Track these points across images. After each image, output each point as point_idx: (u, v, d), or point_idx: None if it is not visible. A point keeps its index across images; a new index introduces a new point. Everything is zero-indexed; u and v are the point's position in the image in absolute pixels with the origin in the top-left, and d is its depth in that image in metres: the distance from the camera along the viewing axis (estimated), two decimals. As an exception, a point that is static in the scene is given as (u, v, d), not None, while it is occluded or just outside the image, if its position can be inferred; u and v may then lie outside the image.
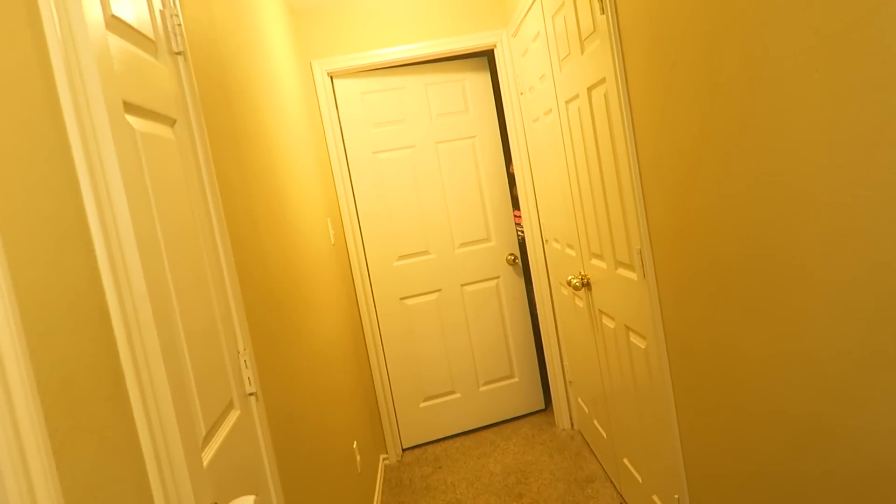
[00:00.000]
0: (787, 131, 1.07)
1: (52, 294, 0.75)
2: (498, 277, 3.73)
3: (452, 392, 3.70)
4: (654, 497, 2.23)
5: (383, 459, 3.50)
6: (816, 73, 0.96)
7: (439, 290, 3.65)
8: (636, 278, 2.01)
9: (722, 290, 1.44)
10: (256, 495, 1.32)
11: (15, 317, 0.66)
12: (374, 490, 3.04)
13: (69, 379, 0.75)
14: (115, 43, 1.01)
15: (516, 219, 3.76)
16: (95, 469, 0.78)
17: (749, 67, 1.16)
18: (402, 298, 3.60)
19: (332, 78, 3.40)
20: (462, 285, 3.68)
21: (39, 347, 0.70)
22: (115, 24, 1.04)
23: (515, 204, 3.84)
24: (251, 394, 1.41)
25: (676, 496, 1.99)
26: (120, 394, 0.87)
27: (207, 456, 1.10)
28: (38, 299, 0.72)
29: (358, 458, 2.71)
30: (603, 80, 1.98)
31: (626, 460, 2.55)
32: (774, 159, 1.13)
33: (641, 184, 1.82)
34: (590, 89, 2.14)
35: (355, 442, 2.73)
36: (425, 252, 3.62)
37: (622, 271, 2.16)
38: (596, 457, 3.12)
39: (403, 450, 3.66)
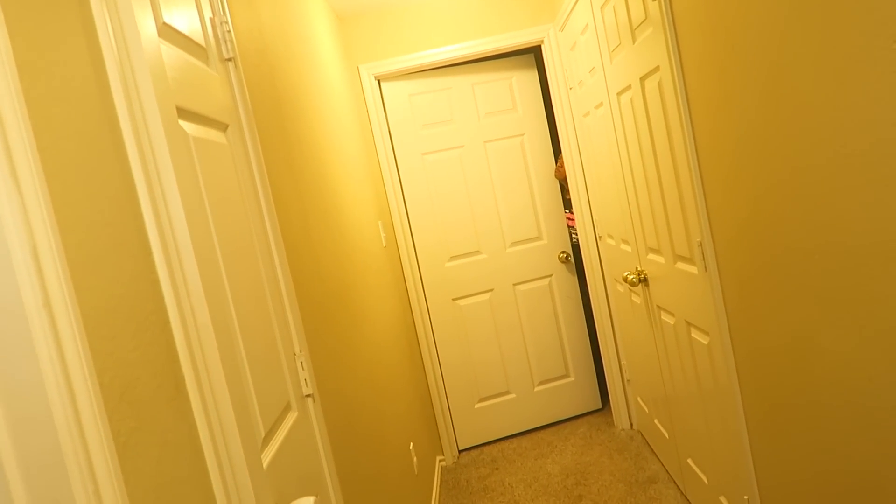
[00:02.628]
0: (861, 108, 1.01)
1: (113, 299, 0.76)
2: (550, 276, 3.67)
3: (507, 392, 3.66)
4: (722, 498, 2.15)
5: (440, 461, 3.49)
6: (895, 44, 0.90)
7: (491, 290, 3.62)
8: (697, 272, 1.94)
9: (792, 280, 1.37)
10: (316, 496, 1.32)
11: (78, 321, 0.67)
12: (432, 491, 3.03)
13: (131, 382, 0.76)
14: (168, 50, 1.02)
15: (569, 221, 3.70)
16: (159, 470, 0.78)
17: (816, 41, 1.09)
18: (454, 299, 3.58)
19: (379, 81, 3.41)
20: (514, 284, 3.64)
21: (102, 351, 0.71)
22: (167, 31, 1.05)
23: (566, 206, 3.79)
24: (308, 395, 1.42)
25: (746, 497, 1.91)
26: (181, 396, 0.88)
27: (267, 457, 1.10)
28: (100, 305, 0.73)
29: (414, 459, 2.71)
30: (656, 69, 1.92)
31: (690, 461, 2.47)
32: (846, 139, 1.06)
33: (700, 173, 1.75)
34: (642, 79, 2.08)
35: (412, 443, 2.72)
36: (477, 252, 3.60)
37: (681, 265, 2.09)
38: (658, 457, 3.04)
39: (460, 451, 3.65)
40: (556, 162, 3.77)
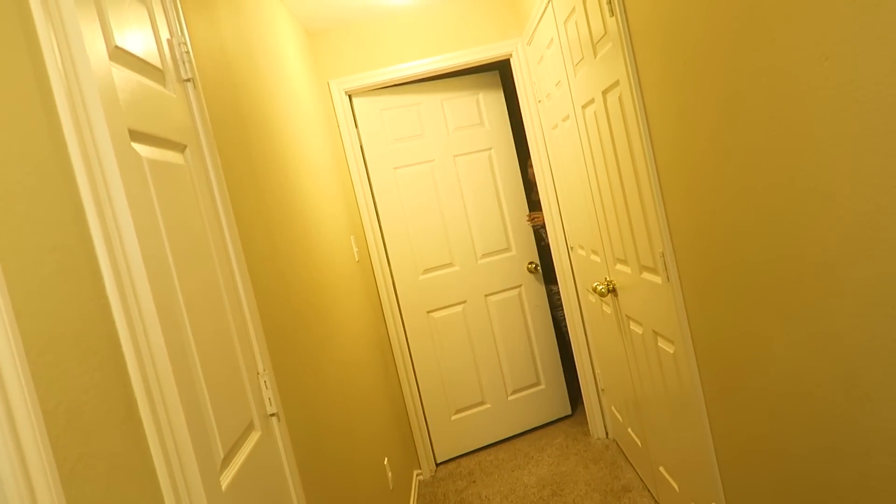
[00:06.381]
0: (803, 122, 1.04)
1: (57, 324, 0.75)
2: (520, 286, 3.71)
3: (482, 403, 3.67)
4: (692, 506, 2.17)
5: (417, 475, 3.48)
6: (827, 62, 0.93)
7: (464, 302, 3.64)
8: (660, 282, 1.96)
9: (748, 290, 1.39)
10: (279, 516, 1.31)
11: (18, 348, 0.67)
12: (408, 506, 3.02)
13: (78, 407, 0.76)
14: (120, 74, 1.03)
15: (536, 220, 3.69)
16: (108, 495, 0.78)
17: (761, 58, 1.13)
18: (428, 312, 3.59)
19: (350, 97, 3.42)
20: (486, 295, 3.66)
21: (44, 377, 0.71)
22: (120, 55, 1.05)
23: (533, 206, 3.83)
24: (272, 414, 1.41)
25: (714, 504, 1.93)
26: (132, 420, 0.87)
27: (227, 479, 1.10)
28: (42, 330, 0.72)
29: (389, 474, 2.70)
30: (616, 83, 1.96)
31: (662, 468, 2.49)
32: (792, 153, 1.10)
33: (660, 185, 1.78)
34: (604, 93, 2.12)
35: (386, 459, 2.72)
36: (449, 264, 3.61)
37: (646, 275, 2.12)
38: (632, 466, 3.06)
39: (437, 464, 3.64)
40: (526, 172, 3.84)
